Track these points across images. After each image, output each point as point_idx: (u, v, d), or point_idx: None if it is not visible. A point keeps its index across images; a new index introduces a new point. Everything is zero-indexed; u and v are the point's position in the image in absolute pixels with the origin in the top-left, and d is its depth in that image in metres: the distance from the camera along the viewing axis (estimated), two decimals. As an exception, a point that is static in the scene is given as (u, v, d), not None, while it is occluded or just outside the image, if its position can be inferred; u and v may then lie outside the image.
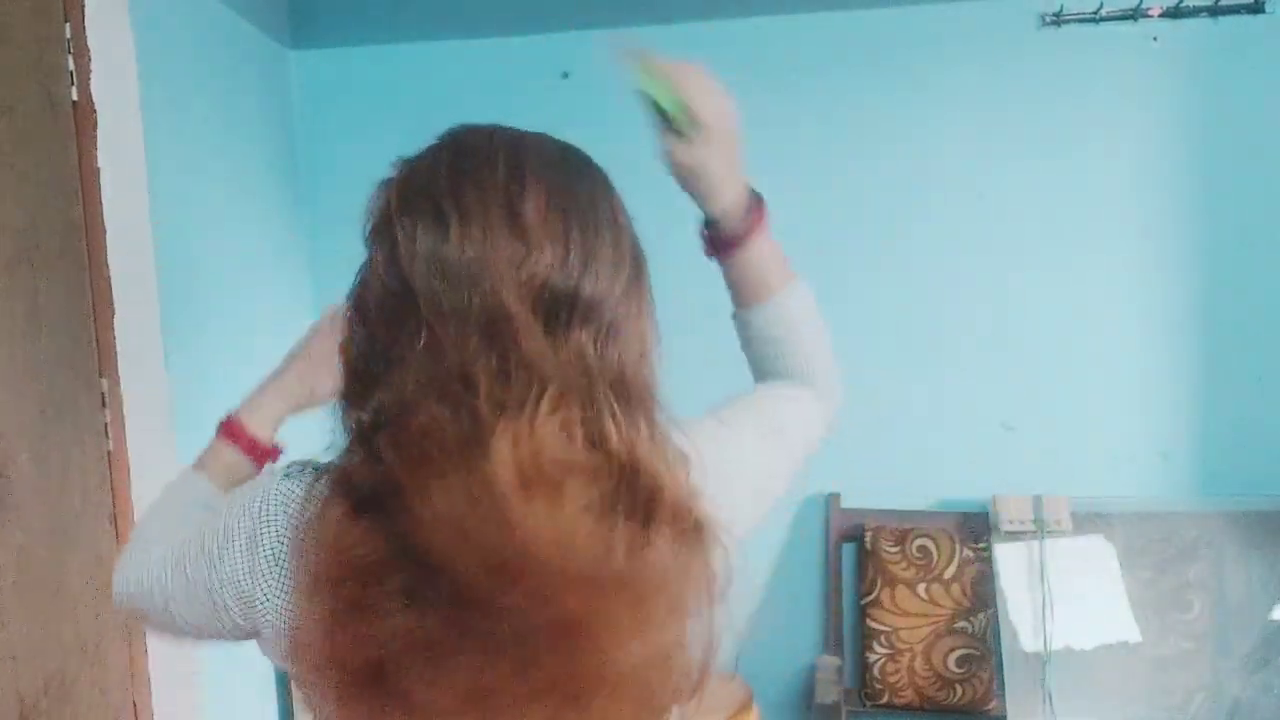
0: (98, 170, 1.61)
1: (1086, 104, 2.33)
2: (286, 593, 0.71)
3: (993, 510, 2.32)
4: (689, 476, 0.70)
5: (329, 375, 0.88)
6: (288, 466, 0.76)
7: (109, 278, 1.62)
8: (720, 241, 0.89)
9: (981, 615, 2.29)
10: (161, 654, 1.71)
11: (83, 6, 1.59)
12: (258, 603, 0.72)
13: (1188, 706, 2.19)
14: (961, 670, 2.28)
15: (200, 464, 0.98)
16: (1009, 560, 2.29)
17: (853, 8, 2.35)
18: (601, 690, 0.63)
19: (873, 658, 2.33)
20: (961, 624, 2.29)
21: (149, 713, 1.69)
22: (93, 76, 1.60)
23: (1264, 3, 2.23)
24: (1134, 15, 2.28)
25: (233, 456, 0.96)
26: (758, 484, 0.84)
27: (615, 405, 0.67)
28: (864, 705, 2.36)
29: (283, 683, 2.27)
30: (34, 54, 1.49)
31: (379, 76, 2.53)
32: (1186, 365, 2.36)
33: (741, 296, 0.92)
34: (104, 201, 1.61)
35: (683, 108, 0.82)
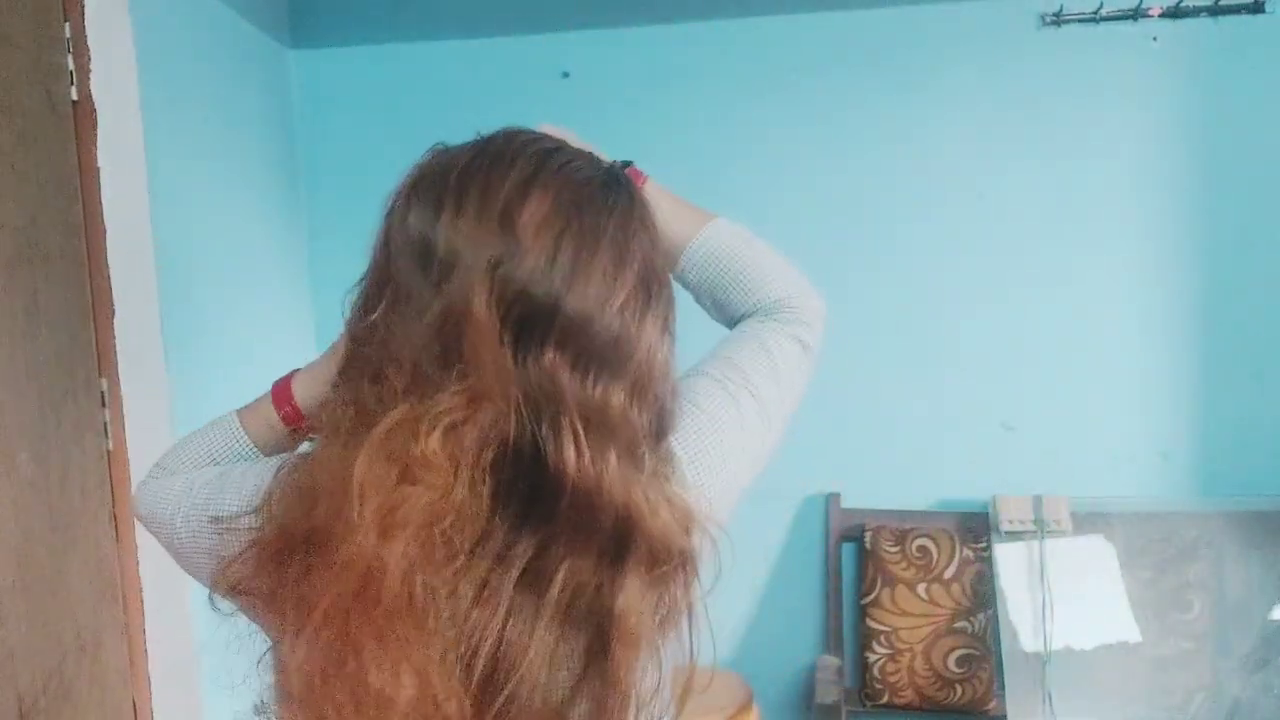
0: (98, 170, 1.61)
1: (1086, 104, 2.33)
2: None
3: (993, 510, 2.32)
4: (685, 515, 0.68)
5: None
6: None
7: (109, 277, 1.62)
8: None
9: (981, 615, 2.29)
10: (161, 652, 1.71)
11: (83, 6, 1.59)
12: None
13: (1188, 706, 2.19)
14: (961, 670, 2.28)
15: (244, 413, 0.94)
16: (1009, 560, 2.29)
17: (853, 8, 2.35)
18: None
19: (873, 658, 2.33)
20: (961, 624, 2.29)
21: (148, 711, 1.69)
22: (93, 76, 1.60)
23: (1264, 3, 2.23)
24: (1134, 15, 2.28)
25: (273, 417, 0.92)
26: (751, 452, 0.82)
27: (581, 432, 0.64)
28: (864, 705, 2.36)
29: (283, 682, 2.27)
30: (34, 54, 1.49)
31: (379, 76, 2.53)
32: (1186, 365, 2.36)
33: (670, 258, 0.90)
34: (104, 201, 1.61)
35: None
